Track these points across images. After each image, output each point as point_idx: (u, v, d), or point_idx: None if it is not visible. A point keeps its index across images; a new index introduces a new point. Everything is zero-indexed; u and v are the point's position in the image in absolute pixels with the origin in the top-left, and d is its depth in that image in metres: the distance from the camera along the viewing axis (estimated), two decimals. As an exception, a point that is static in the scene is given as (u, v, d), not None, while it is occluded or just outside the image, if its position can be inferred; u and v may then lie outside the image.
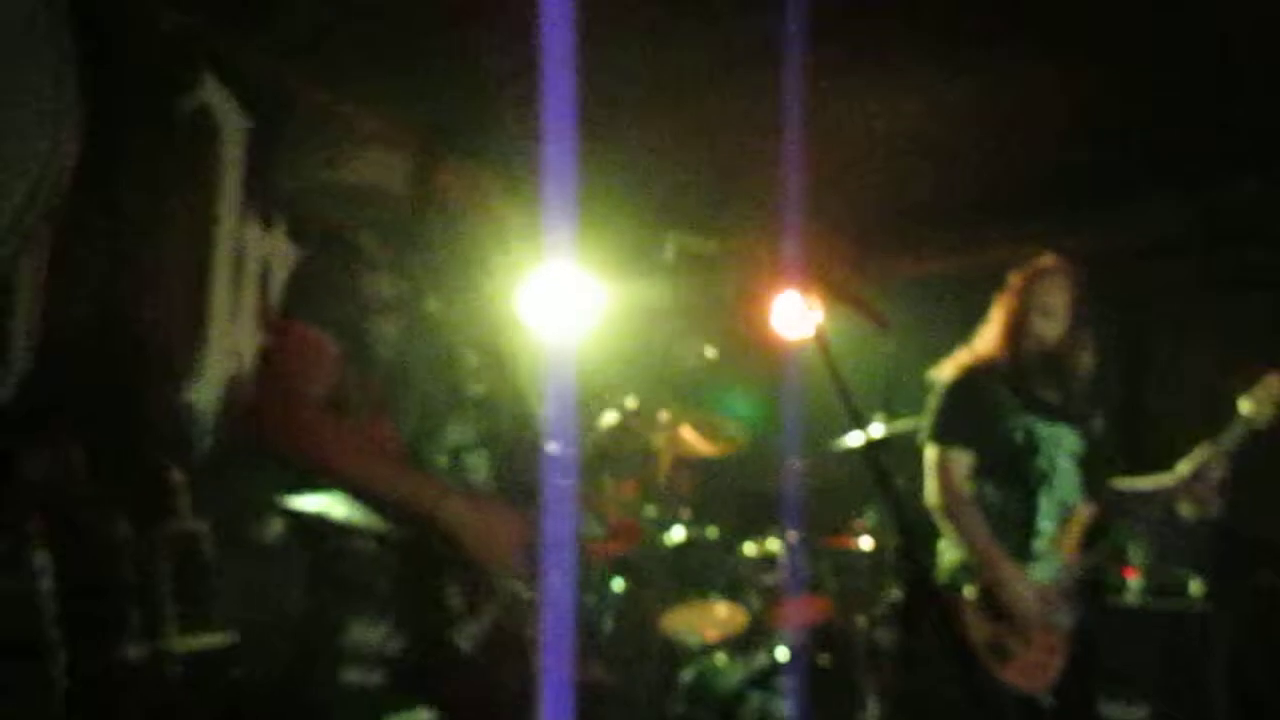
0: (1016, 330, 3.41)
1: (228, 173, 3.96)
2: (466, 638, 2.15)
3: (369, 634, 2.09)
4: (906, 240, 5.88)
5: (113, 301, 3.44)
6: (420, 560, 2.12)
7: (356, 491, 2.10)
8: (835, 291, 2.20)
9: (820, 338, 2.21)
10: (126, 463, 3.16)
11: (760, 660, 4.42)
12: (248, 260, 4.08)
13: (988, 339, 3.50)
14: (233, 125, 3.97)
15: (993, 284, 3.63)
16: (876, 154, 4.91)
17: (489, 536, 2.12)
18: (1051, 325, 3.40)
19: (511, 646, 2.23)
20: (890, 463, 2.07)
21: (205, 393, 3.86)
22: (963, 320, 3.81)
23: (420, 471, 2.16)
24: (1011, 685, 3.24)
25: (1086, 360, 3.46)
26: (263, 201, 4.13)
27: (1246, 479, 3.42)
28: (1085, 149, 4.82)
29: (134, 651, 2.90)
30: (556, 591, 2.18)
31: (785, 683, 4.47)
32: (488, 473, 2.28)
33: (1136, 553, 4.55)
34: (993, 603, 3.28)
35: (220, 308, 3.95)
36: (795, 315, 5.29)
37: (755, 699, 4.33)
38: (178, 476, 3.18)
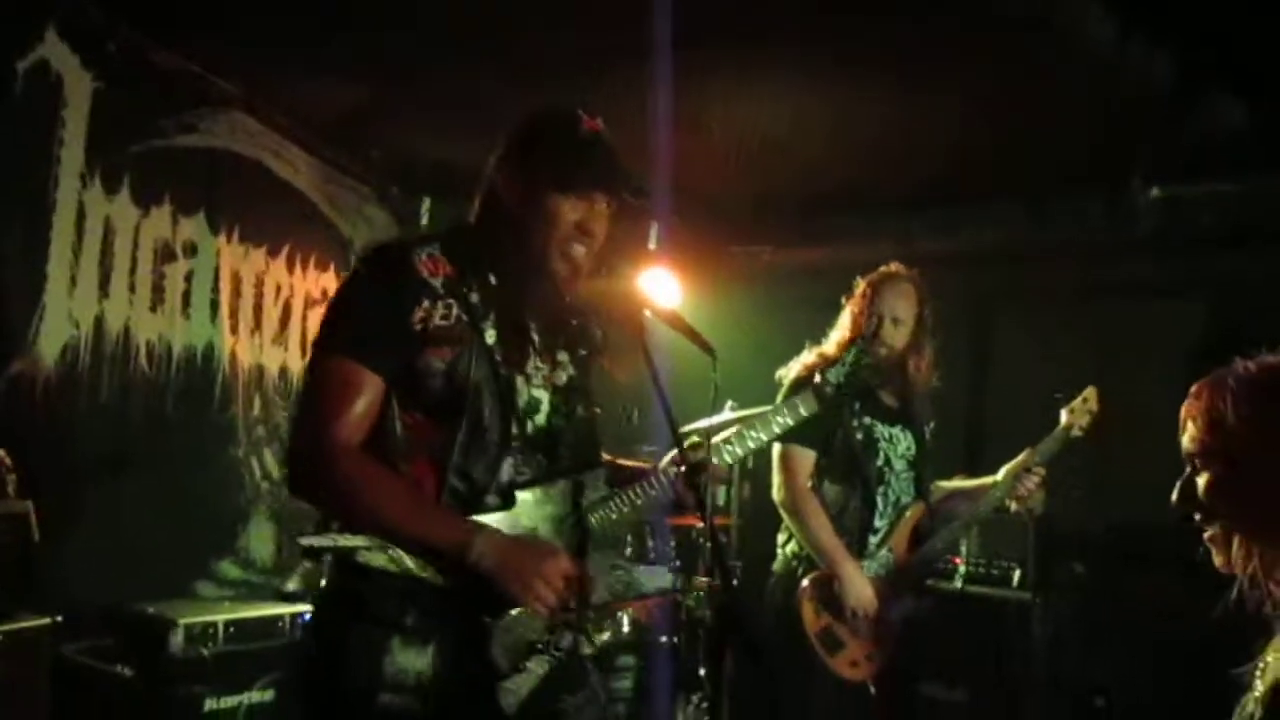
0: (865, 335, 3.52)
1: (69, 133, 3.79)
2: (509, 695, 2.02)
3: (414, 661, 1.98)
4: (767, 232, 5.98)
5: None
6: (457, 604, 2.00)
7: (385, 532, 1.99)
8: (667, 319, 2.19)
9: (675, 319, 2.18)
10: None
11: (602, 637, 4.49)
12: (89, 225, 3.92)
13: (836, 341, 3.60)
14: (76, 84, 3.79)
15: (845, 277, 3.74)
16: (742, 151, 4.99)
17: (525, 580, 1.97)
18: (899, 333, 3.53)
19: (541, 710, 2.09)
20: (705, 481, 2.09)
21: (39, 363, 3.72)
22: (813, 307, 3.94)
23: (452, 514, 2.02)
24: (839, 674, 3.39)
25: (926, 367, 3.60)
26: (107, 164, 3.97)
27: (1064, 479, 3.65)
28: (937, 159, 4.97)
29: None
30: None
31: (627, 660, 4.57)
32: (541, 513, 2.12)
33: (965, 544, 4.78)
34: (827, 595, 3.41)
35: (58, 274, 3.80)
36: (661, 292, 5.38)
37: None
38: (3, 454, 3.05)
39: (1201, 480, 1.71)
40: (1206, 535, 1.74)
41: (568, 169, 2.10)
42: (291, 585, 4.43)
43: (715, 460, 2.26)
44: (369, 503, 1.99)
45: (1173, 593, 3.98)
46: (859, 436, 3.51)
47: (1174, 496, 1.76)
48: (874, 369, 3.33)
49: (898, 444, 3.57)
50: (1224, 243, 4.99)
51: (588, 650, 2.24)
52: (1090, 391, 3.52)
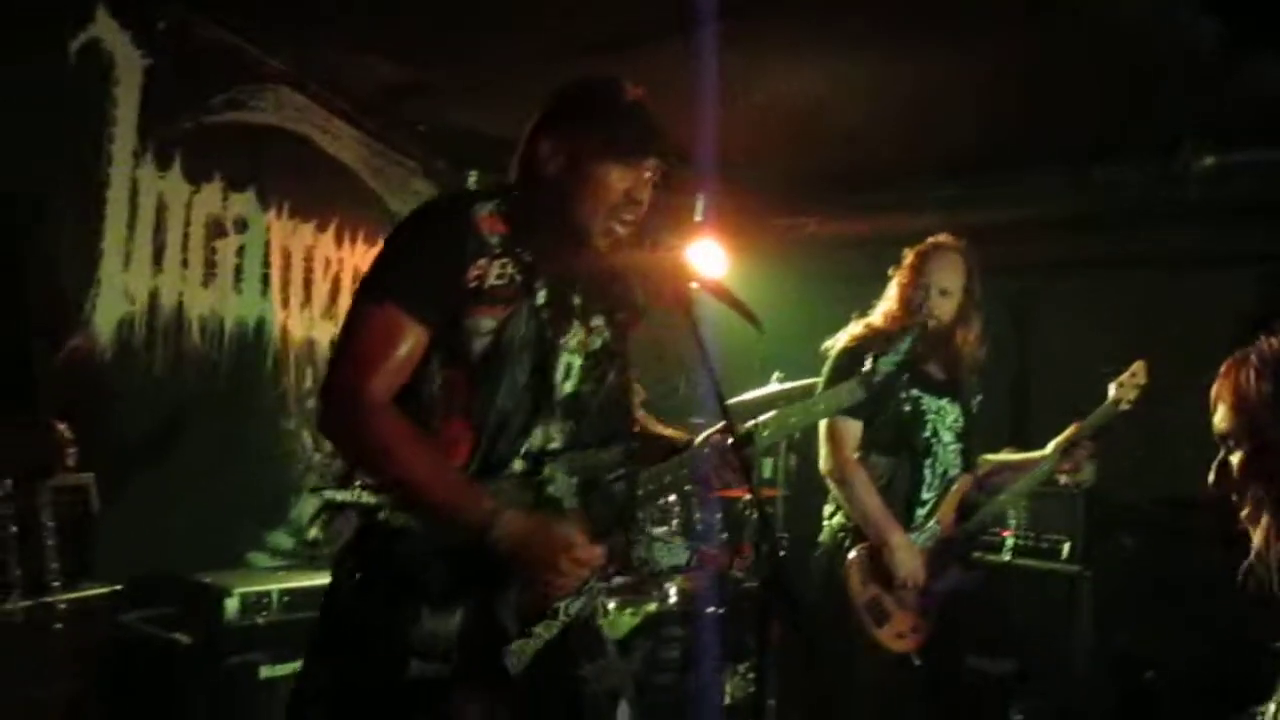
0: (913, 306, 3.50)
1: (121, 111, 3.84)
2: (513, 658, 2.03)
3: (439, 625, 1.97)
4: (811, 203, 5.94)
5: (-3, 244, 3.34)
6: (476, 567, 1.98)
7: (408, 493, 1.98)
8: (714, 290, 2.18)
9: (722, 291, 2.17)
10: (10, 413, 3.09)
11: (649, 607, 4.52)
12: (142, 201, 3.98)
13: (883, 312, 3.58)
14: (127, 62, 3.84)
15: (889, 249, 3.72)
16: (784, 122, 4.95)
17: (541, 563, 1.96)
18: (946, 304, 3.51)
19: (559, 677, 2.12)
20: (755, 453, 2.09)
21: (95, 338, 3.79)
22: (857, 279, 3.91)
23: (476, 488, 1.99)
24: (885, 645, 3.40)
25: (974, 339, 3.58)
26: (159, 141, 4.02)
27: (1112, 451, 3.62)
28: (981, 128, 4.90)
29: (16, 605, 2.87)
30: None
31: (674, 630, 4.59)
32: (567, 482, 2.10)
33: (1014, 516, 4.76)
34: (876, 566, 3.41)
35: (113, 250, 3.86)
36: (708, 264, 5.37)
37: (642, 646, 4.43)
38: (64, 427, 3.12)
39: (1234, 459, 1.70)
40: (1243, 514, 1.74)
41: (615, 135, 2.08)
42: (312, 534, 4.49)
43: (755, 443, 2.26)
44: (398, 462, 1.96)
45: (1221, 567, 3.94)
46: (906, 408, 3.49)
47: (1210, 476, 1.75)
48: (923, 350, 3.33)
49: (945, 416, 3.55)
50: (1272, 211, 4.89)
51: (624, 624, 2.24)
52: (1138, 365, 3.49)
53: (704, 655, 4.51)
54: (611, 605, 4.43)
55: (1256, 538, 1.71)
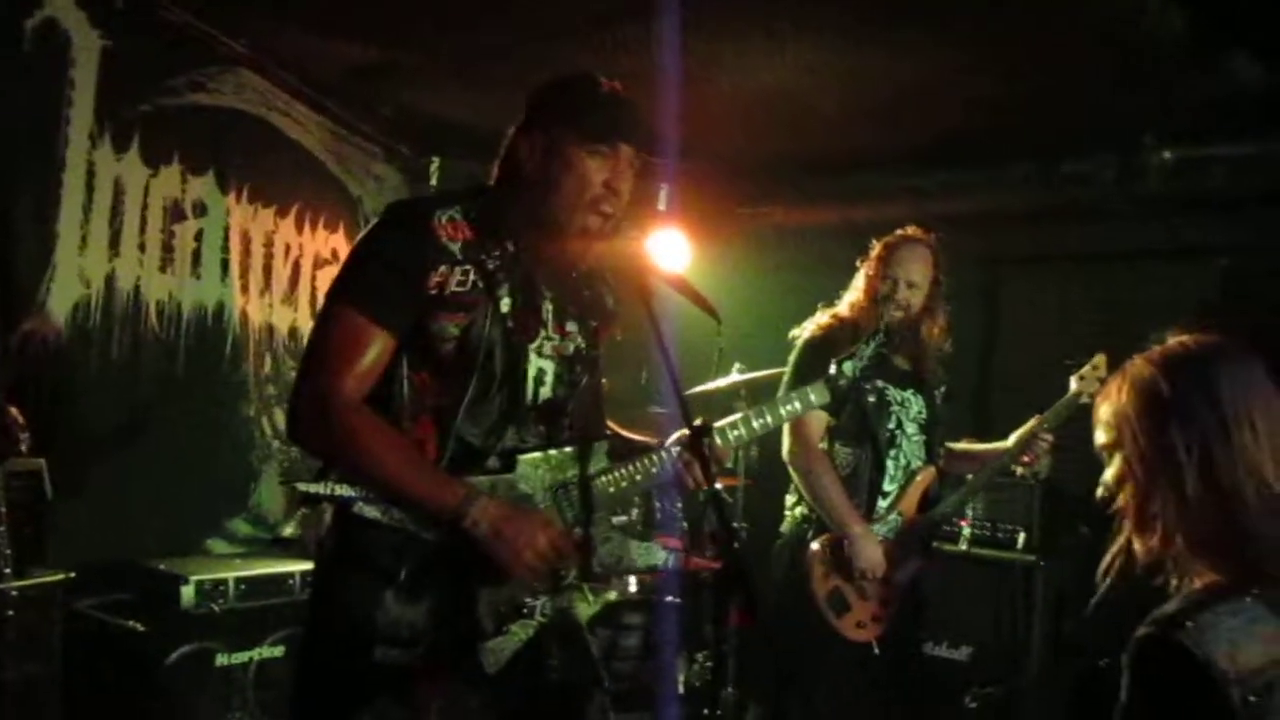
0: (880, 298, 3.51)
1: (78, 93, 3.79)
2: (489, 655, 2.04)
3: (406, 613, 2.00)
4: (777, 192, 5.95)
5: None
6: (448, 560, 2.01)
7: (383, 488, 2.00)
8: (672, 283, 2.18)
9: (681, 284, 2.17)
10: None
11: (609, 596, 4.54)
12: (99, 184, 3.93)
13: (850, 303, 3.59)
14: (84, 42, 3.78)
15: (855, 238, 3.73)
16: (750, 110, 4.95)
17: (515, 546, 1.99)
18: (914, 296, 3.52)
19: (531, 665, 2.12)
20: (710, 446, 2.10)
21: (50, 322, 3.74)
22: (822, 269, 3.93)
23: (450, 478, 2.02)
24: (845, 635, 3.42)
25: (939, 331, 3.60)
26: (117, 123, 3.97)
27: (1069, 442, 3.66)
28: (949, 119, 4.93)
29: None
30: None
31: (634, 618, 4.61)
32: (540, 480, 2.13)
33: (971, 506, 4.80)
34: (837, 557, 3.43)
35: (69, 233, 3.81)
36: (670, 254, 5.37)
37: (603, 635, 4.45)
38: (17, 412, 3.08)
39: (1108, 474, 1.74)
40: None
41: (594, 124, 2.10)
42: (288, 531, 4.48)
43: (720, 443, 2.27)
44: (370, 458, 2.00)
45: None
46: (871, 399, 3.49)
47: (1099, 493, 1.78)
48: (888, 351, 3.34)
49: (909, 407, 3.57)
50: (1236, 205, 4.95)
51: (583, 612, 2.26)
52: (1100, 358, 3.52)
53: (663, 643, 4.53)
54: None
55: (1140, 548, 1.73)
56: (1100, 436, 1.77)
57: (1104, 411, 1.76)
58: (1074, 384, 3.52)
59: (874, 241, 3.64)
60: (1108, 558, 1.78)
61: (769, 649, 3.62)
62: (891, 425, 3.53)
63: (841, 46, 4.37)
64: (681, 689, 4.61)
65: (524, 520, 2.03)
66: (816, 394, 2.46)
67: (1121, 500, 1.73)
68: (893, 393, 3.55)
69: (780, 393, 3.41)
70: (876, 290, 3.53)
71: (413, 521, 2.01)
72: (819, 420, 3.52)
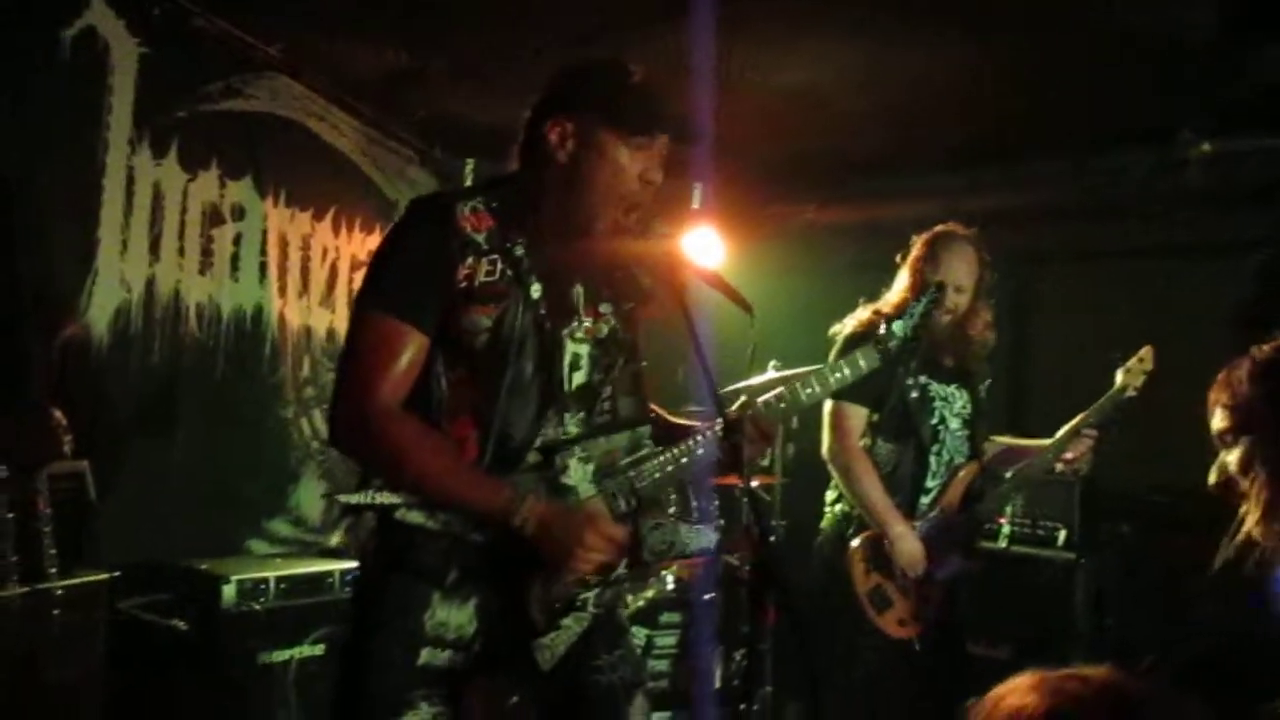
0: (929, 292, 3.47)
1: (117, 99, 3.84)
2: (545, 652, 2.04)
3: (454, 615, 2.01)
4: (810, 190, 5.93)
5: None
6: (497, 560, 2.01)
7: (428, 494, 1.99)
8: (705, 278, 2.17)
9: (713, 278, 2.15)
10: (7, 402, 3.09)
11: (647, 594, 4.54)
12: (138, 189, 3.97)
13: (895, 300, 3.53)
14: (122, 50, 3.83)
15: (888, 237, 3.70)
16: (782, 110, 4.94)
17: (566, 543, 1.97)
18: (960, 299, 3.49)
19: (578, 666, 2.12)
20: (740, 439, 2.09)
21: (92, 326, 3.79)
22: (856, 267, 3.90)
23: (494, 479, 2.00)
24: (886, 632, 3.40)
25: (984, 326, 3.57)
26: (155, 129, 4.01)
27: (1114, 439, 3.61)
28: (981, 116, 4.89)
29: (14, 592, 2.87)
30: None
31: (671, 618, 4.61)
32: (584, 471, 2.11)
33: (1010, 503, 4.75)
34: (878, 554, 3.41)
35: (109, 238, 3.86)
36: (704, 251, 5.37)
37: (640, 633, 4.45)
38: (60, 415, 3.12)
39: (1231, 457, 1.82)
40: (1241, 510, 1.87)
41: (632, 114, 2.06)
42: (335, 541, 4.51)
43: (767, 412, 2.21)
44: (413, 465, 1.99)
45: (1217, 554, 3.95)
46: (914, 395, 3.47)
47: (1210, 476, 1.87)
48: (937, 324, 3.31)
49: (953, 403, 3.54)
50: (1274, 198, 4.88)
51: (625, 609, 2.25)
52: (1146, 351, 3.48)
53: (700, 642, 4.52)
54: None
55: (1249, 522, 1.83)
56: (1219, 422, 1.87)
57: (1224, 398, 1.86)
58: (1119, 377, 3.48)
59: (915, 239, 3.60)
60: (1227, 541, 1.87)
61: (806, 647, 3.60)
62: (935, 421, 3.51)
63: (872, 46, 4.35)
64: (718, 687, 4.60)
65: (572, 517, 2.01)
66: (865, 358, 2.35)
67: (1245, 485, 1.83)
68: (936, 388, 3.52)
69: (830, 359, 3.35)
70: (921, 292, 3.48)
71: (459, 524, 2.00)
72: (859, 417, 3.50)
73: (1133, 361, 3.48)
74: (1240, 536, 1.86)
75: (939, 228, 3.58)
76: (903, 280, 3.57)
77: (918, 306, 2.45)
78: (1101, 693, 1.00)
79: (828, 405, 3.52)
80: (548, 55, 4.06)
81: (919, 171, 5.51)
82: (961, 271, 3.48)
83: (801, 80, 4.67)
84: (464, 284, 2.01)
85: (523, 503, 1.96)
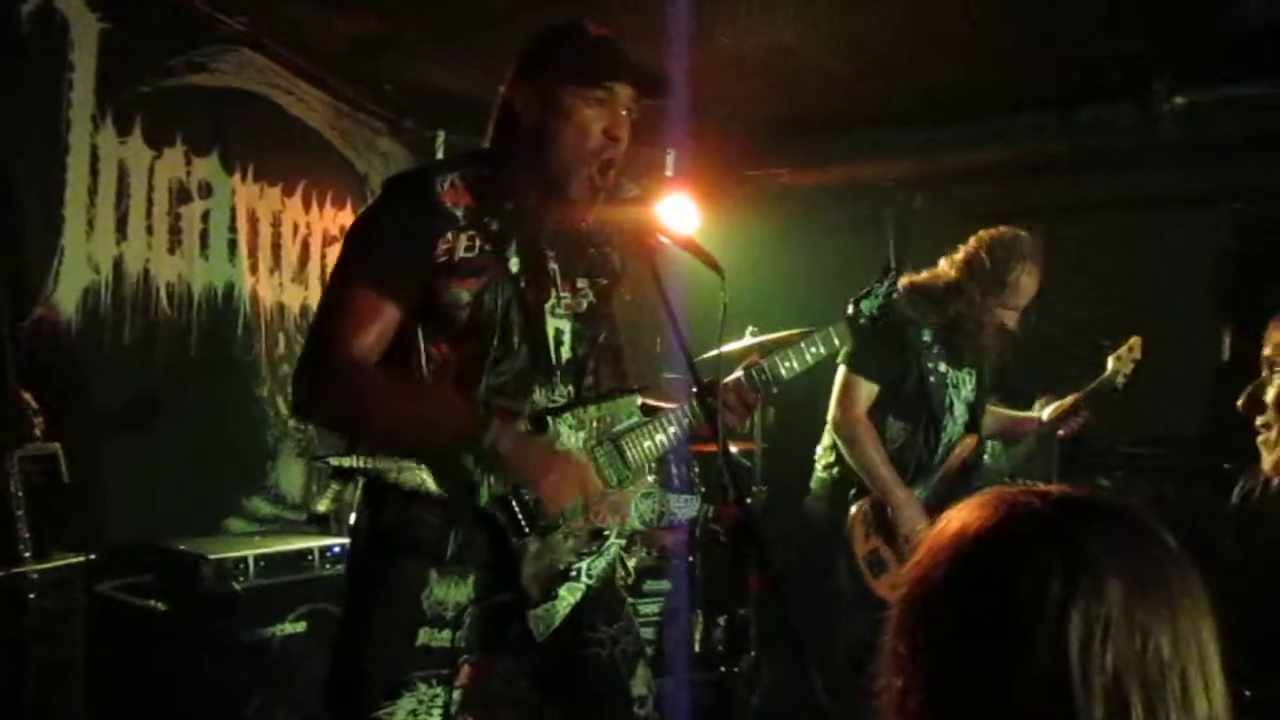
0: (977, 305, 3.48)
1: (78, 76, 3.77)
2: (539, 623, 2.04)
3: (451, 593, 2.00)
4: (784, 153, 5.89)
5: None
6: (490, 531, 2.01)
7: (397, 429, 1.98)
8: (677, 241, 2.15)
9: (684, 240, 2.14)
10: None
11: (631, 564, 4.54)
12: (103, 168, 3.91)
13: (933, 291, 3.52)
14: (82, 25, 3.76)
15: (864, 198, 3.69)
16: (753, 70, 4.89)
17: (545, 460, 1.99)
18: (1015, 314, 3.52)
19: (578, 639, 2.14)
20: (717, 404, 2.08)
21: (61, 307, 3.74)
22: (832, 230, 3.89)
23: (464, 402, 2.00)
24: (877, 594, 3.43)
25: (1016, 318, 3.60)
26: (118, 106, 3.94)
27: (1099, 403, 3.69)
28: (958, 71, 4.86)
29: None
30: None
31: (655, 585, 4.62)
32: (574, 438, 2.11)
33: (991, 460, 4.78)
34: (880, 519, 3.45)
35: (75, 218, 3.80)
36: (679, 218, 5.35)
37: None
38: (30, 397, 3.08)
39: (1272, 387, 1.86)
40: (1260, 438, 1.91)
41: (588, 68, 2.06)
42: (322, 507, 4.47)
43: (747, 383, 2.25)
44: (380, 405, 1.98)
45: (1201, 504, 3.99)
46: (931, 379, 3.52)
47: (1241, 400, 1.92)
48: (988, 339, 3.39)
49: (962, 388, 3.62)
50: (1250, 149, 4.89)
51: (623, 579, 2.25)
52: (1135, 341, 3.62)
53: (682, 608, 4.54)
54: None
55: (1267, 461, 1.88)
56: (1270, 350, 1.93)
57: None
58: (1110, 364, 3.63)
59: (974, 242, 3.53)
60: (1245, 479, 1.94)
61: (787, 609, 3.62)
62: (945, 403, 3.58)
63: (846, 3, 4.29)
64: (700, 652, 4.62)
65: (544, 444, 2.03)
66: (839, 334, 2.44)
67: (1271, 417, 1.90)
68: (952, 375, 3.58)
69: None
70: (971, 296, 3.46)
71: (450, 490, 1.98)
72: (869, 391, 3.54)
73: (1123, 350, 3.63)
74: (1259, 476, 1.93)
75: (1015, 233, 3.55)
76: (948, 275, 3.53)
77: (881, 287, 2.52)
78: (1053, 504, 0.97)
79: (841, 373, 3.56)
80: (519, 20, 4.00)
81: (894, 129, 5.46)
82: (1027, 295, 3.51)
83: (776, 41, 4.61)
84: (444, 258, 2.01)
85: (493, 423, 1.95)
